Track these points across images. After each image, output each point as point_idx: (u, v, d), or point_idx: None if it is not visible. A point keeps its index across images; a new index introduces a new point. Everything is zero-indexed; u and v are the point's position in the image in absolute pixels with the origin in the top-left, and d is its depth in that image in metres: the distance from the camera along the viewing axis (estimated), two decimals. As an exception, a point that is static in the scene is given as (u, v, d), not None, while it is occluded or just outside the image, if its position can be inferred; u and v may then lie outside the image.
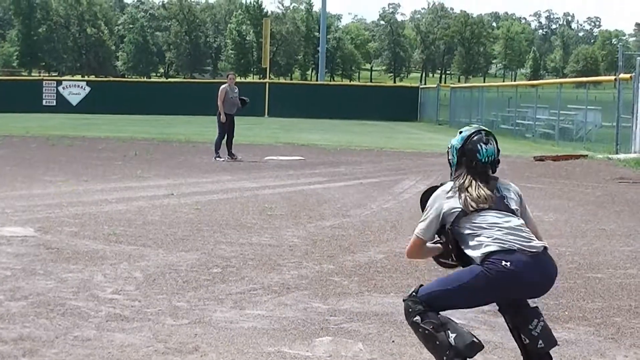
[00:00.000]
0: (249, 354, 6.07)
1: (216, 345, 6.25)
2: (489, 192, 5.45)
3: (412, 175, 19.59)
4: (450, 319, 5.39)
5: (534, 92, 41.02)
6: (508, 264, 5.18)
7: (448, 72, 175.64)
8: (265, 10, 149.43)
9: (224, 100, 22.66)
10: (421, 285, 5.59)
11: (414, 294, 5.52)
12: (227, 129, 22.59)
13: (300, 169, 20.70)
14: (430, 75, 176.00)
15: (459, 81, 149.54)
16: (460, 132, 5.68)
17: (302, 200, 14.78)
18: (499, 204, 5.45)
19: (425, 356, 6.12)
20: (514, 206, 5.49)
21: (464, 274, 5.37)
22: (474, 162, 5.52)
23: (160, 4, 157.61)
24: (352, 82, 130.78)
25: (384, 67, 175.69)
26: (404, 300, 5.57)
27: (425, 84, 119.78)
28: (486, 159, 5.53)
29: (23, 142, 28.14)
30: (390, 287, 8.31)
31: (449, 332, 5.32)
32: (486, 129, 5.69)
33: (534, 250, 5.25)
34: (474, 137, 5.57)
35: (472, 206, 5.39)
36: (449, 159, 5.68)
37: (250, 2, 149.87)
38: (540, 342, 5.40)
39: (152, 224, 11.75)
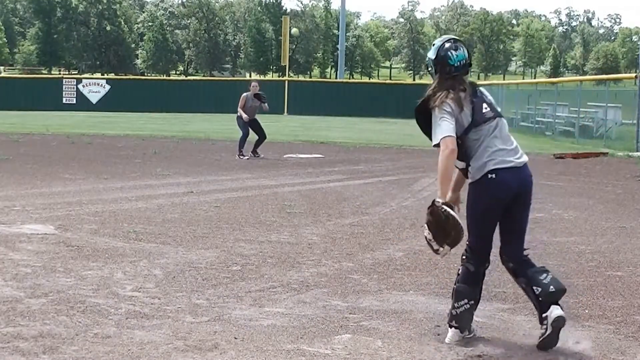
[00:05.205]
0: (268, 351, 6.07)
1: (235, 342, 6.25)
2: (462, 95, 6.20)
3: (432, 173, 19.54)
4: (463, 290, 6.30)
5: (554, 89, 40.90)
6: (493, 175, 6.16)
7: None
8: (284, 8, 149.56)
9: (243, 106, 22.88)
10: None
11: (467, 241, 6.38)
12: (253, 129, 22.74)
13: (320, 167, 20.70)
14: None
15: (478, 78, 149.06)
16: (434, 44, 6.42)
17: (321, 198, 14.78)
18: (481, 107, 6.24)
19: (444, 354, 6.12)
20: (495, 106, 6.35)
21: (468, 201, 6.31)
22: (447, 69, 6.26)
23: (180, 2, 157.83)
24: (371, 80, 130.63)
25: (403, 65, 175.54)
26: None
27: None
28: (458, 63, 6.28)
29: (43, 140, 28.28)
30: (410, 285, 8.31)
31: (462, 302, 6.29)
32: (455, 37, 6.51)
33: (518, 166, 6.23)
34: (445, 45, 6.31)
35: (455, 108, 6.14)
36: (428, 71, 6.46)
37: (269, 0, 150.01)
38: (552, 287, 6.17)
39: (172, 221, 11.78)
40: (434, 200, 6.21)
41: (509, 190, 6.19)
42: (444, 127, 6.12)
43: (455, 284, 6.40)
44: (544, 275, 6.23)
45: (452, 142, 6.09)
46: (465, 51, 6.33)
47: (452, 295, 6.40)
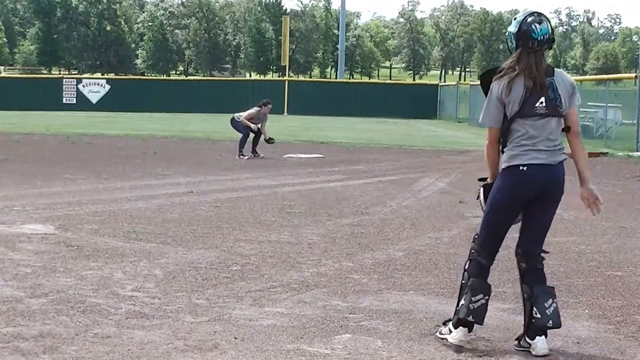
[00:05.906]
0: (268, 351, 6.07)
1: (235, 342, 6.25)
2: (526, 78, 6.04)
3: (432, 173, 19.56)
4: (478, 285, 6.22)
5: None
6: (525, 168, 6.06)
7: (467, 69, 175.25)
8: (284, 8, 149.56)
9: (250, 119, 22.73)
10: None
11: (475, 235, 6.40)
12: (252, 131, 22.74)
13: (320, 167, 20.69)
14: (450, 72, 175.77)
15: (478, 78, 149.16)
16: (515, 18, 6.20)
17: (321, 198, 14.78)
18: (536, 100, 6.04)
19: (444, 354, 6.12)
20: (559, 103, 6.08)
21: (493, 189, 6.24)
22: (530, 42, 6.05)
23: (180, 2, 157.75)
24: (371, 80, 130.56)
25: (403, 65, 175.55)
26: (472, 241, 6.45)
27: (444, 81, 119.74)
28: (541, 37, 6.05)
29: (43, 140, 28.27)
30: (410, 285, 8.30)
31: (465, 295, 6.24)
32: (538, 11, 6.20)
33: (550, 164, 6.08)
34: (527, 19, 6.09)
35: (512, 90, 6.02)
36: (508, 47, 6.24)
37: (269, 0, 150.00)
38: (550, 322, 6.12)
39: (172, 221, 11.78)
40: (485, 178, 6.43)
41: (535, 185, 6.08)
42: (491, 115, 6.17)
43: (465, 280, 6.31)
44: (550, 302, 6.13)
45: (493, 133, 6.20)
46: (549, 26, 6.10)
47: (461, 290, 6.32)
